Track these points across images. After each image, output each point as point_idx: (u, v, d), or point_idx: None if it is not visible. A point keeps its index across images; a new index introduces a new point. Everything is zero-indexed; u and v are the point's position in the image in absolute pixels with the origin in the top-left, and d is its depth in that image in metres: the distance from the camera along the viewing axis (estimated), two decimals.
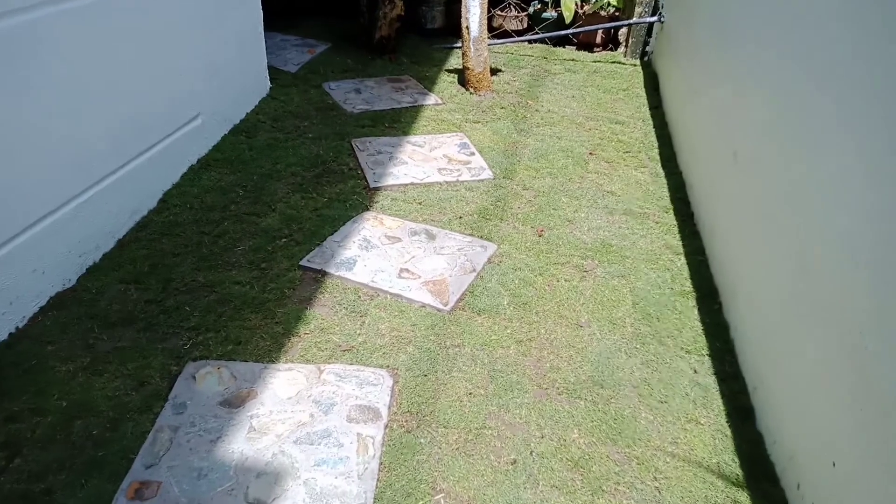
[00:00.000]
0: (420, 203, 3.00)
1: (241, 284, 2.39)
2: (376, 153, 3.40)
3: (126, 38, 2.56)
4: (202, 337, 2.15)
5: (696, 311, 2.40)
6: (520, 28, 5.21)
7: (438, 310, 2.33)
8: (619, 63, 4.87)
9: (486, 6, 3.94)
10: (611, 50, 5.13)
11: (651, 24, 4.75)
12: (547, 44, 5.16)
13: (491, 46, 4.93)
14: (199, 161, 3.19)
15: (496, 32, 5.20)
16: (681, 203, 3.08)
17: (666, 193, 3.18)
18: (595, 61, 4.89)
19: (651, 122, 3.94)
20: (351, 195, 3.02)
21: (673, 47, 4.22)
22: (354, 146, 3.45)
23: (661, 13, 4.62)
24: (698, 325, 2.33)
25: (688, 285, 2.53)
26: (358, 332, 2.21)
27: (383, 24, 4.56)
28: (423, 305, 2.34)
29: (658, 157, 3.53)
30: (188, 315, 2.23)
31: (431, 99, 4.08)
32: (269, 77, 3.97)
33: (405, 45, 4.94)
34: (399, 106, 3.95)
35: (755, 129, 2.33)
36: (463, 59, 4.15)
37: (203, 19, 3.12)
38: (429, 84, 4.32)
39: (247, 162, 3.23)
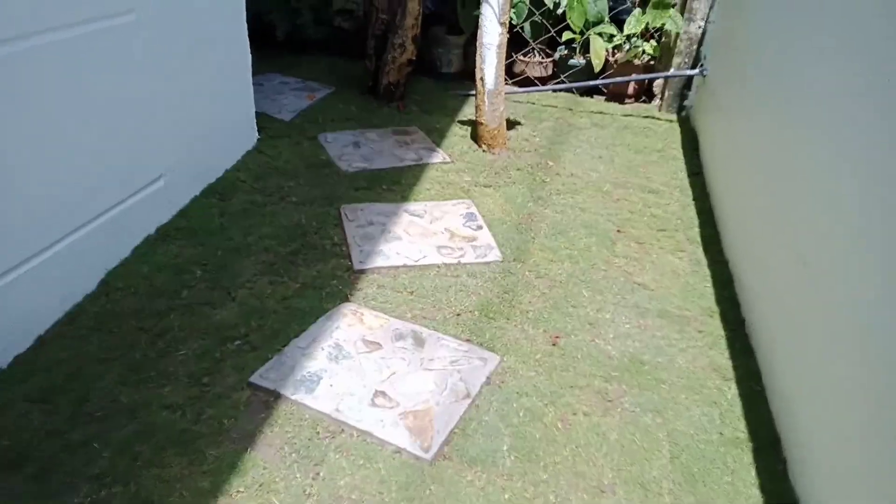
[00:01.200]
0: (412, 293, 2.50)
1: (171, 409, 1.90)
2: (367, 224, 2.92)
3: (63, 85, 2.12)
4: (105, 492, 1.65)
5: (752, 472, 1.84)
6: (544, 75, 4.75)
7: (417, 458, 1.81)
8: (654, 118, 4.36)
9: (503, 55, 3.48)
10: (644, 102, 4.63)
11: (691, 77, 4.25)
12: (573, 93, 4.69)
13: (510, 95, 4.47)
14: (158, 231, 2.74)
15: (518, 79, 4.74)
16: (728, 304, 2.54)
17: (709, 289, 2.63)
18: (626, 115, 4.39)
19: (690, 192, 3.41)
20: (330, 279, 2.54)
21: (716, 104, 3.71)
22: (343, 214, 2.98)
23: (703, 65, 4.11)
24: (757, 496, 1.77)
25: (741, 429, 1.98)
26: (308, 491, 1.70)
27: (392, 70, 4.13)
28: (398, 451, 1.82)
29: (699, 239, 2.99)
30: (96, 455, 1.74)
31: (439, 156, 3.61)
32: (257, 127, 3.54)
33: (416, 90, 4.51)
34: (401, 164, 3.48)
35: (838, 229, 1.79)
36: (476, 112, 3.68)
37: (174, 61, 2.70)
38: (438, 137, 3.86)
39: (214, 232, 2.78)
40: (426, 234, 2.89)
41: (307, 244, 2.75)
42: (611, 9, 4.57)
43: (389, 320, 2.33)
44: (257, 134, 3.54)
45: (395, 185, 3.29)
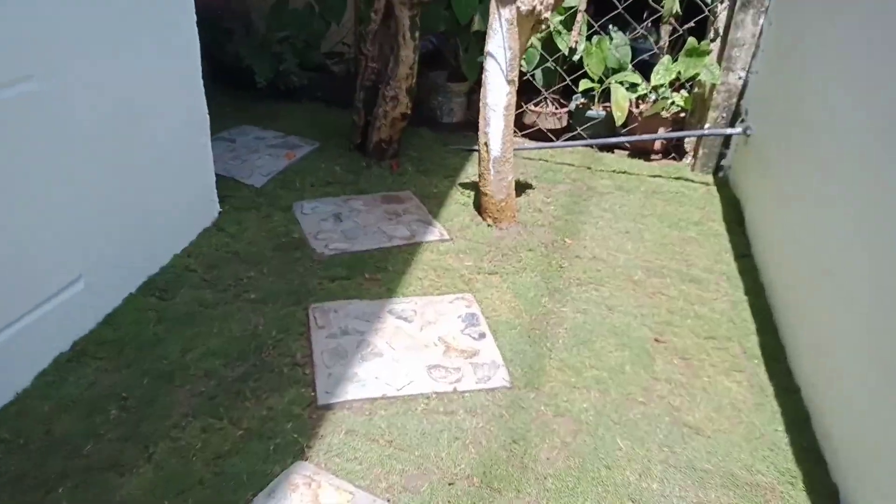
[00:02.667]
0: (390, 442, 1.90)
1: None
2: (341, 333, 2.33)
3: None
4: None
5: None
6: (558, 127, 4.19)
7: None
8: (686, 180, 3.77)
9: (511, 117, 2.91)
10: (673, 159, 4.05)
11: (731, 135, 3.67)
12: (592, 148, 4.12)
13: (520, 151, 3.92)
14: (73, 347, 2.16)
15: (529, 132, 4.19)
16: (813, 462, 1.91)
17: (782, 435, 2.01)
18: (654, 175, 3.81)
19: (739, 281, 2.81)
20: (283, 422, 1.94)
21: (764, 166, 3.12)
22: (312, 318, 2.39)
23: (744, 121, 3.54)
24: None
25: None
26: None
27: (383, 126, 3.58)
28: None
29: (758, 352, 2.38)
30: None
31: (435, 232, 3.03)
32: (219, 197, 2.98)
33: (413, 143, 3.95)
34: (389, 244, 2.90)
35: None
36: (480, 181, 3.10)
37: (98, 133, 2.14)
38: (435, 206, 3.29)
39: (146, 346, 2.19)
40: (415, 346, 2.29)
41: (261, 364, 2.16)
42: (634, 55, 4.02)
43: (355, 495, 1.72)
44: (218, 206, 2.97)
45: (380, 273, 2.71)
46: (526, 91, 4.26)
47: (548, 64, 3.99)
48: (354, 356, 2.22)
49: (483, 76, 2.85)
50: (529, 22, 2.67)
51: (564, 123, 4.20)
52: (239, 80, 4.22)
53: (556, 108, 4.18)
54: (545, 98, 4.17)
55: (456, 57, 4.19)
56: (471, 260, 2.85)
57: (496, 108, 2.82)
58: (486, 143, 2.94)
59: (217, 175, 3.12)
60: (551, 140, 4.14)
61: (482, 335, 2.38)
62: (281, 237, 2.89)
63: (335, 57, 4.48)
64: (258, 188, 3.26)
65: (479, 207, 3.20)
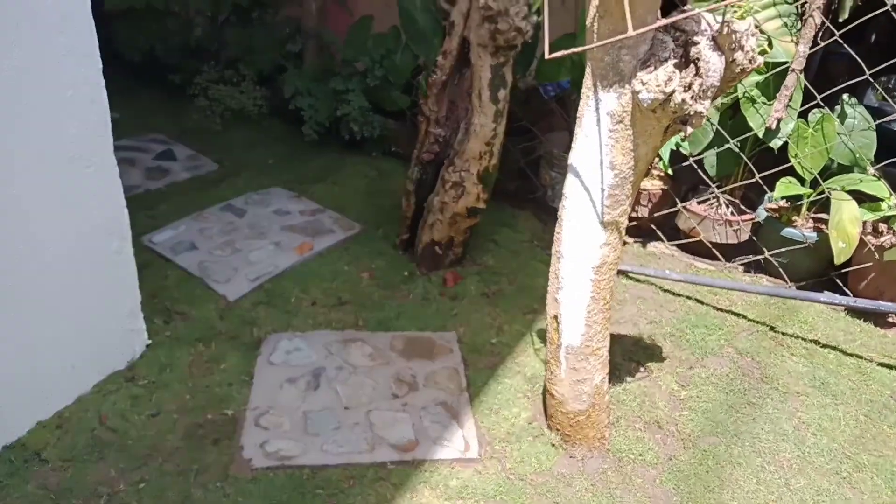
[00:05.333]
0: None
1: None
2: None
3: None
4: None
5: None
6: (731, 243, 2.67)
7: None
8: None
9: (609, 286, 1.54)
10: None
11: None
12: (784, 284, 2.55)
13: (655, 278, 2.49)
14: None
15: (681, 242, 2.73)
16: None
17: None
18: (890, 363, 2.18)
19: None
20: None
21: None
22: None
23: None
24: None
25: None
26: None
27: (439, 222, 2.37)
28: None
29: None
30: None
31: (457, 439, 1.76)
32: (155, 321, 1.99)
33: (497, 236, 2.70)
34: (369, 457, 1.69)
35: None
36: (547, 373, 1.77)
37: None
38: (482, 374, 2.01)
39: None
40: None
41: None
42: (881, 148, 2.39)
43: None
44: (146, 337, 1.97)
45: None
46: (687, 178, 2.80)
47: (728, 145, 2.50)
48: None
49: (560, 209, 1.53)
50: (660, 120, 1.30)
51: (742, 238, 2.67)
52: (287, 120, 3.26)
53: (733, 214, 2.67)
54: (716, 196, 2.67)
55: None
56: None
57: (578, 266, 1.48)
58: (555, 318, 1.60)
59: (183, 274, 2.17)
60: (717, 259, 2.65)
61: None
62: (207, 411, 1.80)
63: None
64: (229, 303, 2.21)
65: (546, 406, 1.87)
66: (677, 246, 2.75)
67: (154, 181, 2.84)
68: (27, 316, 1.61)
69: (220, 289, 2.24)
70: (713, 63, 1.25)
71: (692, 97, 1.23)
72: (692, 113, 1.26)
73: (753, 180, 2.51)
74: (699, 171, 2.61)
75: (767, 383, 2.07)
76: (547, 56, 1.28)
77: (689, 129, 1.28)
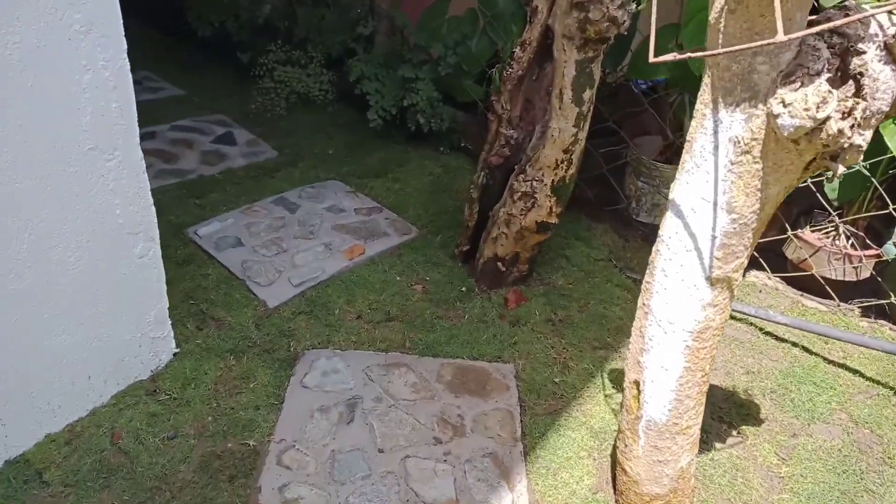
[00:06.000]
0: None
1: None
2: None
3: None
4: None
5: None
6: (849, 280, 2.25)
7: None
8: None
9: (709, 350, 1.21)
10: None
11: None
12: None
13: (754, 318, 2.13)
14: None
15: (788, 275, 2.33)
16: None
17: None
18: None
19: None
20: None
21: None
22: None
23: None
24: None
25: None
26: None
27: (504, 235, 2.09)
28: None
29: None
30: None
31: None
32: (185, 326, 1.83)
33: (567, 252, 2.39)
34: None
35: None
36: (619, 443, 1.47)
37: None
38: (541, 420, 1.73)
39: None
40: None
41: None
42: None
43: None
44: (174, 344, 1.81)
45: None
46: (801, 200, 2.39)
47: (856, 167, 2.08)
48: None
49: (653, 254, 1.21)
50: (801, 154, 0.96)
51: (863, 277, 2.25)
52: (351, 104, 3.04)
53: (854, 248, 2.25)
54: (835, 225, 2.25)
55: (676, 120, 2.48)
56: None
57: (672, 328, 1.17)
58: (636, 384, 1.29)
59: (224, 273, 2.02)
60: (831, 299, 2.24)
61: None
62: (227, 438, 1.62)
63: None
64: (268, 310, 2.02)
65: (615, 482, 1.56)
66: (783, 278, 2.36)
67: (209, 166, 2.70)
68: (38, 322, 1.47)
69: (261, 293, 2.06)
70: (884, 80, 0.91)
71: (851, 126, 0.89)
72: (847, 146, 0.92)
73: (885, 211, 2.08)
74: (817, 193, 2.21)
75: (891, 465, 1.69)
76: (651, 59, 0.98)
77: (840, 169, 0.95)
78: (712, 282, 1.08)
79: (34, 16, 1.24)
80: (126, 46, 1.41)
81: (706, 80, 1.00)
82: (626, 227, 2.67)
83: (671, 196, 1.12)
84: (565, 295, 2.23)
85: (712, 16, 0.94)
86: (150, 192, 1.59)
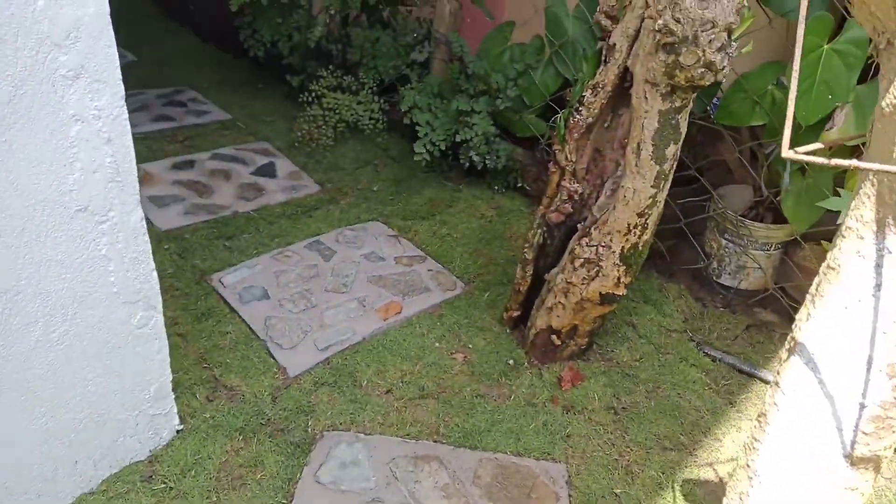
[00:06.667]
0: None
1: None
2: None
3: None
4: None
5: None
6: None
7: None
8: None
9: (868, 491, 0.90)
10: None
11: None
12: None
13: None
14: None
15: None
16: None
17: None
18: None
19: None
20: None
21: None
22: None
23: None
24: None
25: None
26: None
27: (560, 306, 1.79)
28: None
29: None
30: None
31: None
32: (189, 399, 1.62)
33: (634, 318, 2.07)
34: None
35: None
36: None
37: None
38: None
39: None
40: None
41: None
42: None
43: None
44: (177, 421, 1.59)
45: None
46: None
47: None
48: None
49: (764, 409, 0.88)
50: None
51: None
52: (410, 136, 2.80)
53: None
54: None
55: (770, 173, 2.11)
56: None
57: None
58: None
59: (244, 332, 1.84)
60: None
61: None
62: None
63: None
64: (287, 378, 1.79)
65: None
66: None
67: (245, 202, 2.51)
68: (16, 403, 1.27)
69: (282, 357, 1.83)
70: None
71: None
72: None
73: None
74: None
75: None
76: (784, 153, 0.68)
77: None
78: (854, 461, 0.76)
79: (9, 59, 1.04)
80: (123, 92, 1.21)
81: (866, 188, 0.69)
82: (704, 288, 2.33)
83: (798, 334, 0.81)
84: (630, 375, 1.91)
85: (887, 101, 0.63)
86: (150, 255, 1.38)
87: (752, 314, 2.23)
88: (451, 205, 2.64)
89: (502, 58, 2.66)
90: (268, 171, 2.75)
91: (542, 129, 2.66)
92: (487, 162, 2.63)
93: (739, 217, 2.19)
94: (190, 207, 2.41)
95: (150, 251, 1.37)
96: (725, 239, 2.24)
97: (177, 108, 3.17)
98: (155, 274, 1.40)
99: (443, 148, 2.60)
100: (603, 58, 1.62)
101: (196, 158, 2.76)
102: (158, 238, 2.22)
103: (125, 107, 1.22)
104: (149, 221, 2.29)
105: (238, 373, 1.78)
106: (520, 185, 2.71)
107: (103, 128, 1.20)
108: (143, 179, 2.55)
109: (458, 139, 2.55)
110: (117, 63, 1.18)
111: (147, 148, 2.77)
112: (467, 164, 2.66)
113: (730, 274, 2.28)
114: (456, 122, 2.60)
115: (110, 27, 1.15)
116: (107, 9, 1.14)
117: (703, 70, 1.38)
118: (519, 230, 2.51)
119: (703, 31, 1.35)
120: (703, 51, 1.36)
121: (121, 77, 1.19)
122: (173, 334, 1.86)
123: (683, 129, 1.54)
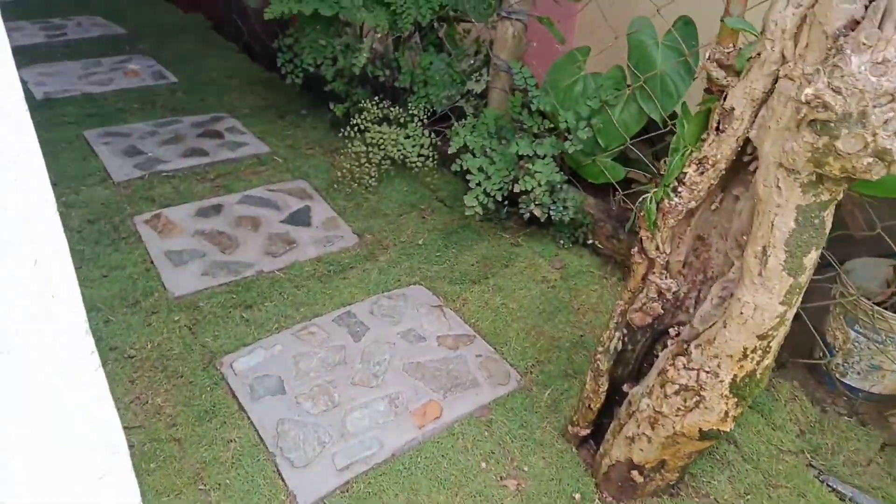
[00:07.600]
0: None
1: None
2: None
3: None
4: None
5: None
6: None
7: None
8: None
9: None
10: None
11: None
12: None
13: None
14: None
15: None
16: None
17: None
18: None
19: None
20: None
21: None
22: None
23: None
24: None
25: None
26: None
27: (643, 438, 1.38)
28: None
29: None
30: None
31: None
32: None
33: (742, 437, 1.64)
34: None
35: None
36: None
37: None
38: None
39: None
40: None
41: None
42: None
43: None
44: None
45: None
46: None
47: None
48: None
49: None
50: None
51: None
52: (465, 176, 2.44)
53: None
54: None
55: None
56: None
57: None
58: None
59: (251, 440, 1.58)
60: None
61: None
62: None
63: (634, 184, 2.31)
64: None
65: None
66: None
67: (272, 258, 2.21)
68: None
69: (293, 480, 1.50)
70: None
71: None
72: None
73: None
74: None
75: None
76: None
77: None
78: None
79: None
80: (57, 216, 0.88)
81: None
82: (822, 387, 1.86)
83: None
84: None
85: None
86: (113, 407, 1.07)
87: (888, 428, 1.75)
88: (508, 263, 2.25)
89: (573, 90, 2.25)
90: (301, 218, 2.44)
91: (620, 175, 2.24)
92: (552, 213, 2.23)
93: (875, 306, 1.71)
94: (209, 266, 2.13)
95: (112, 404, 1.06)
96: (856, 331, 1.77)
97: (212, 139, 2.91)
98: (118, 423, 1.09)
99: (498, 199, 2.22)
100: (714, 124, 1.20)
101: (224, 202, 2.48)
102: (169, 308, 1.94)
103: (63, 238, 0.90)
104: (161, 286, 2.04)
105: (238, 499, 1.46)
106: (590, 241, 2.30)
107: (31, 253, 0.88)
108: (164, 229, 2.29)
109: (516, 189, 2.16)
110: (45, 174, 0.86)
111: (174, 189, 2.51)
112: (528, 215, 2.27)
113: (859, 374, 1.80)
114: (515, 167, 2.21)
115: (32, 131, 0.82)
116: (19, 92, 0.81)
117: (871, 161, 0.95)
118: (588, 300, 2.10)
119: (875, 107, 0.92)
120: (875, 134, 0.93)
121: (52, 192, 0.87)
122: (170, 439, 1.56)
123: (828, 229, 1.11)
